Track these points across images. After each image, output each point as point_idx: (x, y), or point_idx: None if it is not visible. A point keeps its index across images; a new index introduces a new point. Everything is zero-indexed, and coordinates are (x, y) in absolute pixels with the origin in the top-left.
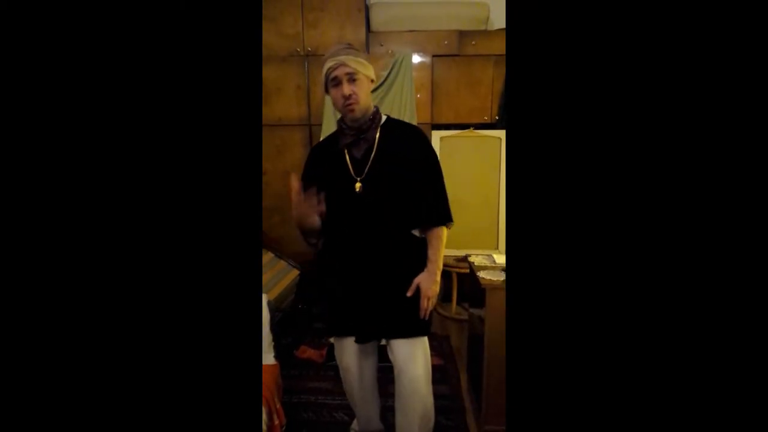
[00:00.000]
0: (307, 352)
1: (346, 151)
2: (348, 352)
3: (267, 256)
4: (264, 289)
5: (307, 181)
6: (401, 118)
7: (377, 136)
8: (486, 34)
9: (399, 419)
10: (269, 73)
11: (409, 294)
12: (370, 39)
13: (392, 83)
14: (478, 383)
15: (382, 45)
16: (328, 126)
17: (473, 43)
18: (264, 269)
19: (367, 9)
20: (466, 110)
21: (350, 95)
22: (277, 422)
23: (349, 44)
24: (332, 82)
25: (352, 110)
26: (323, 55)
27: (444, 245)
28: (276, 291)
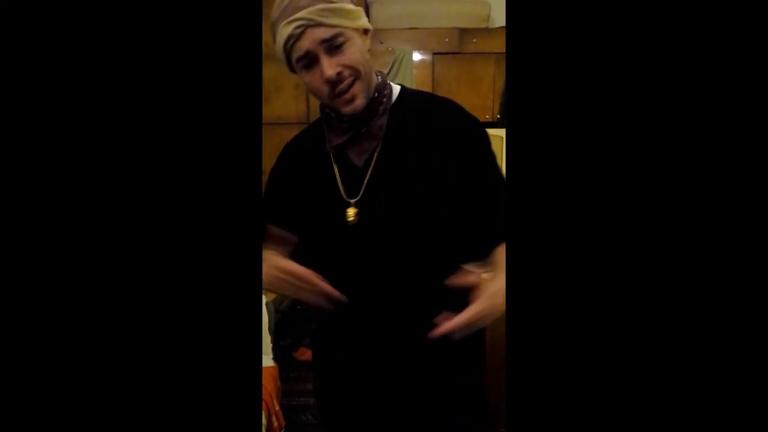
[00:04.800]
0: (307, 354)
1: (334, 157)
2: None
3: None
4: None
5: (272, 209)
6: None
7: (384, 125)
8: (487, 31)
9: None
10: (268, 72)
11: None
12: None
13: (392, 81)
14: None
15: (382, 42)
16: None
17: (474, 40)
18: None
19: (366, 6)
20: (467, 108)
21: (339, 75)
22: (276, 425)
23: None
24: (301, 62)
25: (352, 99)
26: None
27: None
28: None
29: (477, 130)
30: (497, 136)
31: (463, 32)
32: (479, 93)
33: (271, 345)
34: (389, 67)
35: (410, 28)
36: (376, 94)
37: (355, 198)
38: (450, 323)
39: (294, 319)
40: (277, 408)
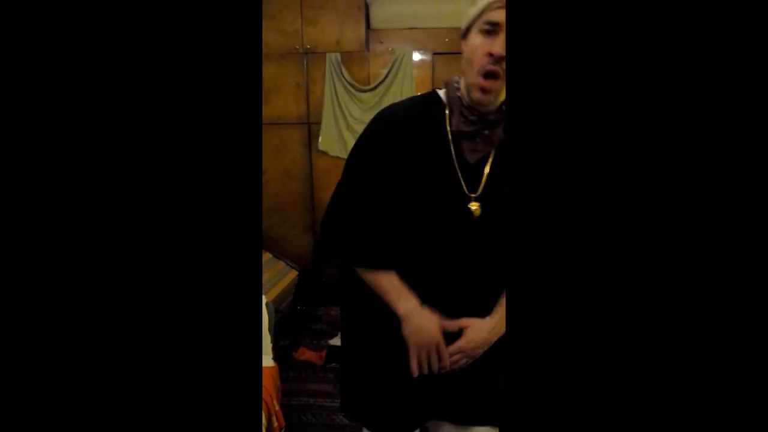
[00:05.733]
0: (306, 354)
1: (453, 143)
2: None
3: (265, 257)
4: (263, 290)
5: (368, 178)
6: None
7: (501, 137)
8: None
9: None
10: (268, 71)
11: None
12: (370, 37)
13: (392, 81)
14: None
15: (382, 42)
16: (328, 124)
17: None
18: (262, 270)
19: (367, 6)
20: None
21: (501, 61)
22: (276, 425)
23: None
24: (486, 26)
25: (493, 85)
26: (323, 52)
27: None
28: (275, 292)
29: None
30: None
31: None
32: None
33: (271, 345)
34: (389, 67)
35: (410, 29)
36: (503, 107)
37: (476, 193)
38: (453, 347)
39: (294, 319)
40: (277, 408)
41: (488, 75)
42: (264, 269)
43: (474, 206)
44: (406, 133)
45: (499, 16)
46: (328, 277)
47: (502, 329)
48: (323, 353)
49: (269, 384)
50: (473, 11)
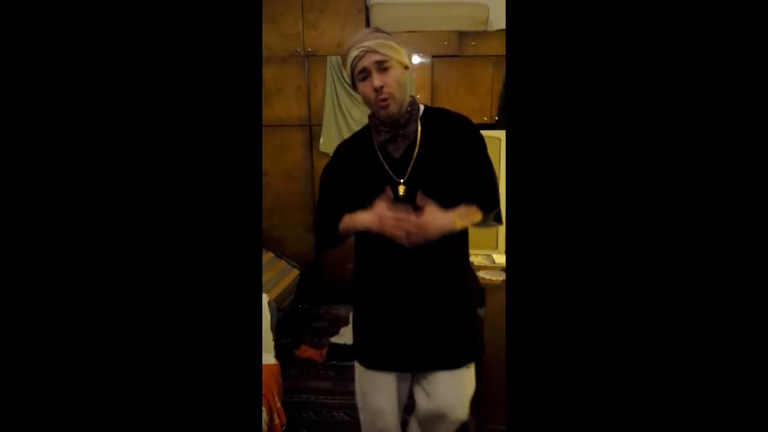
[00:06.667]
0: (308, 352)
1: (379, 150)
2: (382, 389)
3: (267, 256)
4: (264, 289)
5: (332, 187)
6: None
7: (418, 130)
8: (485, 34)
9: None
10: (269, 74)
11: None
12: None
13: None
14: (478, 383)
15: None
16: (329, 126)
17: (473, 43)
18: (264, 269)
19: (367, 9)
20: (465, 110)
21: (381, 87)
22: (277, 422)
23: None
24: (360, 75)
25: (386, 106)
26: (324, 55)
27: (465, 221)
28: (276, 291)
29: (475, 130)
30: (495, 137)
31: (462, 35)
32: (477, 95)
33: (273, 343)
34: None
35: (409, 32)
36: (409, 108)
37: (403, 178)
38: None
39: (295, 317)
40: (279, 405)
41: (379, 100)
42: (266, 269)
43: (401, 188)
44: (350, 152)
45: (364, 63)
46: (328, 277)
47: (450, 226)
48: (324, 351)
49: (271, 381)
50: (347, 71)
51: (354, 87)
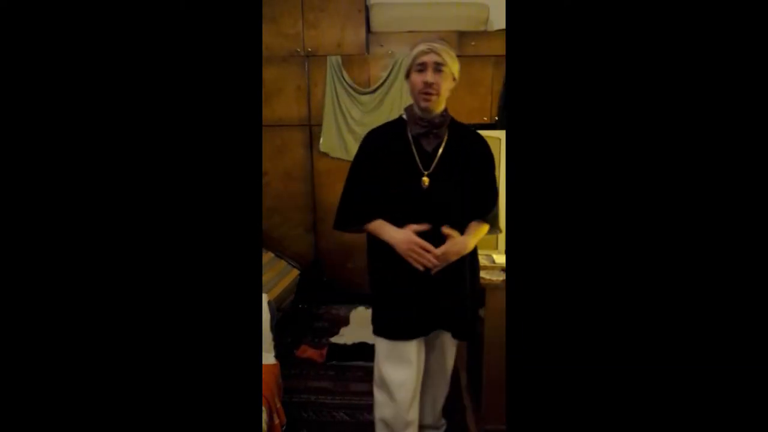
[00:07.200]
0: (308, 352)
1: (413, 141)
2: (405, 357)
3: (267, 256)
4: (264, 289)
5: (363, 170)
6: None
7: (446, 133)
8: (485, 34)
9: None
10: (269, 74)
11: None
12: (370, 40)
13: (392, 84)
14: (477, 382)
15: (382, 45)
16: (329, 126)
17: (473, 43)
18: (264, 269)
19: (367, 9)
20: (465, 110)
21: (432, 84)
22: (277, 422)
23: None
24: (417, 67)
25: (429, 99)
26: (324, 55)
27: (477, 238)
28: (276, 291)
29: (490, 150)
30: (495, 137)
31: (462, 35)
32: (477, 95)
33: (273, 343)
34: (389, 69)
35: (410, 32)
36: (443, 113)
37: (428, 171)
38: (437, 250)
39: (295, 317)
40: (279, 405)
41: (426, 94)
42: (266, 269)
43: (425, 179)
44: (383, 140)
45: (425, 58)
46: (328, 277)
47: (470, 248)
48: (324, 351)
49: (271, 381)
50: (409, 59)
51: (407, 76)
